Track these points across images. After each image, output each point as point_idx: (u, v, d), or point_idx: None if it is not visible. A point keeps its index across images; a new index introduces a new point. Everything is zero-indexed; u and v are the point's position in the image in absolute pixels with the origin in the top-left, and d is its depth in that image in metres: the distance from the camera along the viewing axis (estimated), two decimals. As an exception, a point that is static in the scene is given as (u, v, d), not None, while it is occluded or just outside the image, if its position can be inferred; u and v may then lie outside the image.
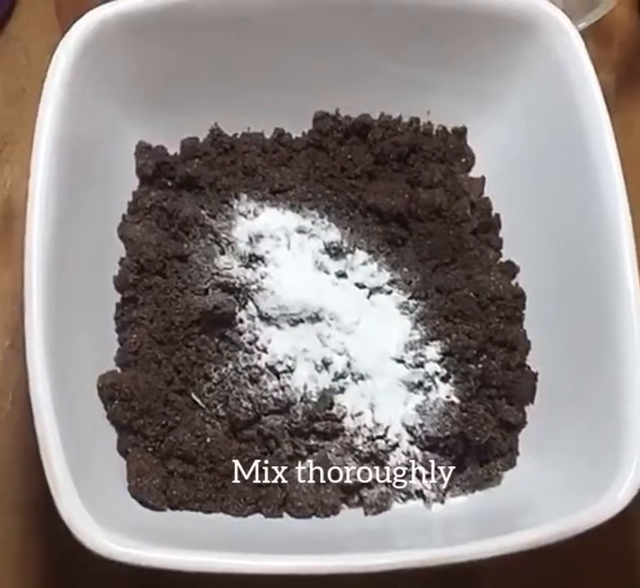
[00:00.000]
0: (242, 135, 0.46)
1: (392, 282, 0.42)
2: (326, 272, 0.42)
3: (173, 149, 0.45)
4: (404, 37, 0.42)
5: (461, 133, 0.46)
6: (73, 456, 0.34)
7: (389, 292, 0.42)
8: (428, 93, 0.44)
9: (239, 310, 0.41)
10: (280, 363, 0.40)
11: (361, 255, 0.43)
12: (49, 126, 0.37)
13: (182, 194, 0.44)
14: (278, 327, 0.41)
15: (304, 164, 0.45)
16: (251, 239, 0.42)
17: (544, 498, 0.37)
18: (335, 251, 0.42)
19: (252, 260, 0.42)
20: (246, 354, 0.40)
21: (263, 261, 0.42)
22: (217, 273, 0.41)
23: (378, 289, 0.42)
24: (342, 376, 0.40)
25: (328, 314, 0.41)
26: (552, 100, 0.40)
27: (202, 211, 0.43)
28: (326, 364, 0.40)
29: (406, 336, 0.41)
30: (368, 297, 0.42)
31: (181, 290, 0.42)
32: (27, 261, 0.36)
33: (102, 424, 0.39)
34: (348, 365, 0.40)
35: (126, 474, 0.39)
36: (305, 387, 0.39)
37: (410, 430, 0.39)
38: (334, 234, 0.43)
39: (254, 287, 0.41)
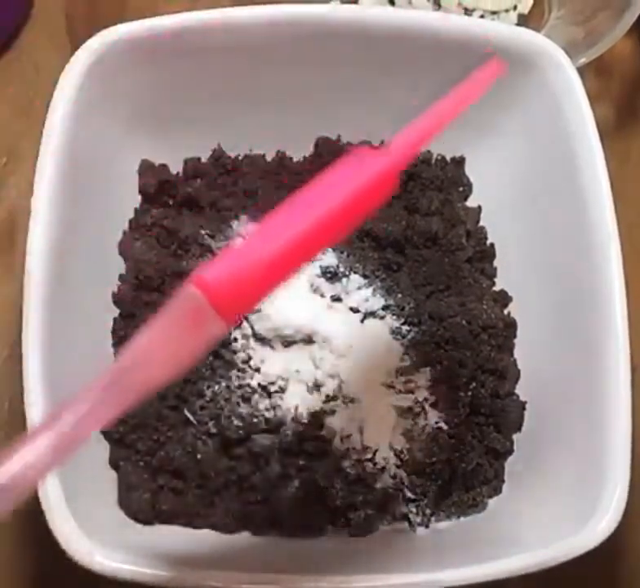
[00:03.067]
0: (244, 156, 0.46)
1: (386, 308, 0.43)
2: (322, 295, 0.43)
3: (175, 168, 0.46)
4: (406, 67, 0.43)
5: (459, 162, 0.46)
6: (65, 470, 0.34)
7: (383, 317, 0.43)
8: (428, 122, 0.45)
9: (234, 330, 0.41)
10: (272, 383, 0.40)
11: (356, 279, 0.43)
12: (54, 143, 0.38)
13: (182, 213, 0.45)
14: (272, 347, 0.41)
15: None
16: None
17: (527, 526, 0.37)
18: (330, 275, 0.43)
19: None
20: (239, 373, 0.41)
21: None
22: None
23: (372, 314, 0.43)
24: (333, 399, 0.40)
25: (321, 338, 0.41)
26: (548, 134, 0.41)
27: (202, 231, 0.44)
28: (317, 386, 0.40)
29: (397, 362, 0.42)
30: (362, 321, 0.42)
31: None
32: (27, 275, 0.36)
33: (94, 437, 0.39)
34: (340, 388, 0.40)
35: (116, 487, 0.39)
36: (296, 408, 0.40)
37: (397, 454, 0.40)
38: (330, 258, 0.43)
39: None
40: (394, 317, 0.43)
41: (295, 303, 0.42)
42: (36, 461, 0.24)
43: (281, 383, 0.40)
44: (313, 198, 0.26)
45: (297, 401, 0.40)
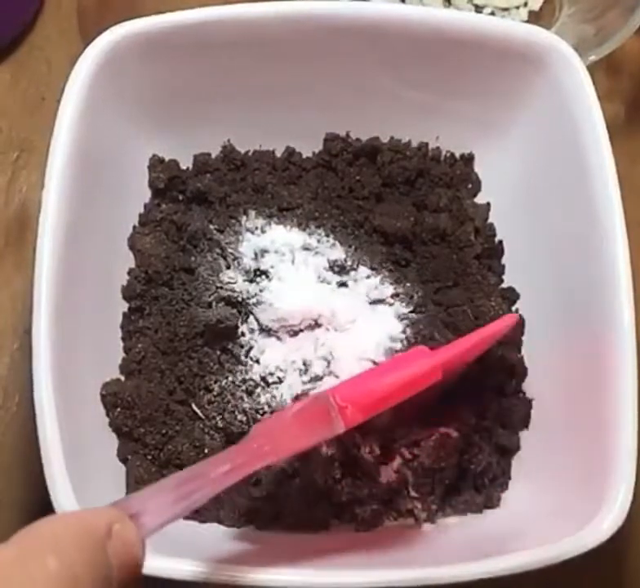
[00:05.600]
0: (253, 152, 0.46)
1: (395, 296, 0.43)
2: (328, 283, 0.43)
3: (185, 163, 0.46)
4: (416, 64, 0.43)
5: (468, 160, 0.46)
6: (74, 461, 0.35)
7: (391, 304, 0.43)
8: (437, 119, 0.45)
9: (241, 324, 0.42)
10: (271, 374, 0.40)
11: (364, 270, 0.43)
12: (65, 138, 0.38)
13: (192, 208, 0.45)
14: (278, 338, 0.41)
15: (313, 184, 0.46)
16: (256, 255, 0.43)
17: (532, 523, 0.38)
18: (338, 269, 0.43)
19: (257, 274, 0.43)
20: (244, 367, 0.41)
21: (267, 275, 0.42)
22: (221, 287, 0.42)
23: (380, 301, 0.43)
24: (319, 379, 0.40)
25: (327, 316, 0.41)
26: (557, 132, 0.41)
27: (211, 226, 0.44)
28: (306, 368, 0.41)
29: (392, 342, 0.42)
30: (370, 304, 0.43)
31: (187, 302, 0.42)
32: (37, 268, 0.36)
33: (104, 430, 0.40)
34: (328, 365, 0.41)
35: (125, 480, 0.39)
36: (293, 397, 0.40)
37: (406, 459, 0.40)
38: (338, 252, 0.44)
39: (254, 300, 0.42)
40: (403, 304, 0.43)
41: (301, 292, 0.42)
42: (163, 506, 0.28)
43: (279, 374, 0.40)
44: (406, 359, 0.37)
45: (293, 390, 0.40)
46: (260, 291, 0.42)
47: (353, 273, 0.43)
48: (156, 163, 0.45)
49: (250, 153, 0.46)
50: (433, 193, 0.45)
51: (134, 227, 0.44)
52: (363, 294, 0.43)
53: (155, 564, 0.33)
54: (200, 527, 0.39)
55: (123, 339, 0.42)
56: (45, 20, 0.53)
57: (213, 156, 0.46)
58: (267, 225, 0.44)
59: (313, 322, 0.41)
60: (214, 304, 0.42)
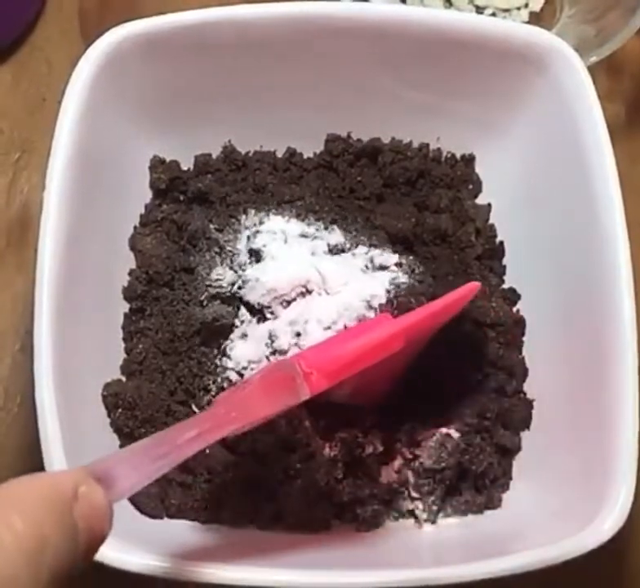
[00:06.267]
0: (254, 153, 0.46)
1: (398, 265, 0.42)
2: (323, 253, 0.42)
3: (186, 164, 0.46)
4: (417, 65, 0.43)
5: (469, 160, 0.46)
6: (75, 461, 0.34)
7: (391, 270, 0.42)
8: (438, 120, 0.45)
9: (236, 319, 0.41)
10: (245, 368, 0.40)
11: (363, 249, 0.43)
12: (66, 139, 0.38)
13: (193, 209, 0.45)
14: (273, 313, 0.41)
15: (314, 184, 0.46)
16: (248, 238, 0.43)
17: (533, 523, 0.38)
18: (337, 251, 0.43)
19: (250, 256, 0.42)
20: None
21: (259, 257, 0.42)
22: (210, 285, 0.42)
23: (382, 268, 0.42)
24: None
25: (316, 281, 0.40)
26: (558, 133, 0.41)
27: (210, 225, 0.44)
28: (272, 341, 0.40)
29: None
30: (366, 270, 0.42)
31: (186, 302, 0.42)
32: (38, 269, 0.37)
33: (105, 431, 0.40)
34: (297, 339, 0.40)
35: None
36: None
37: (407, 459, 0.40)
38: (337, 236, 0.43)
39: (241, 283, 0.41)
40: (405, 274, 0.42)
41: (289, 263, 0.41)
42: (130, 471, 0.28)
43: (253, 366, 0.40)
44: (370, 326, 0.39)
45: None
46: (248, 274, 0.41)
47: (351, 252, 0.43)
48: (157, 164, 0.45)
49: (251, 154, 0.46)
50: (434, 194, 0.45)
51: (135, 228, 0.45)
52: (360, 261, 0.42)
53: (156, 565, 0.33)
54: (202, 528, 0.39)
55: (124, 339, 0.42)
56: (46, 21, 0.53)
57: (214, 157, 0.46)
58: (265, 217, 0.44)
59: (304, 289, 0.40)
60: (206, 302, 0.42)
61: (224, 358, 0.41)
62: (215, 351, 0.41)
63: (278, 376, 0.34)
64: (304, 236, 0.43)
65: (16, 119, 0.51)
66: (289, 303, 0.41)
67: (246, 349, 0.41)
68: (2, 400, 0.45)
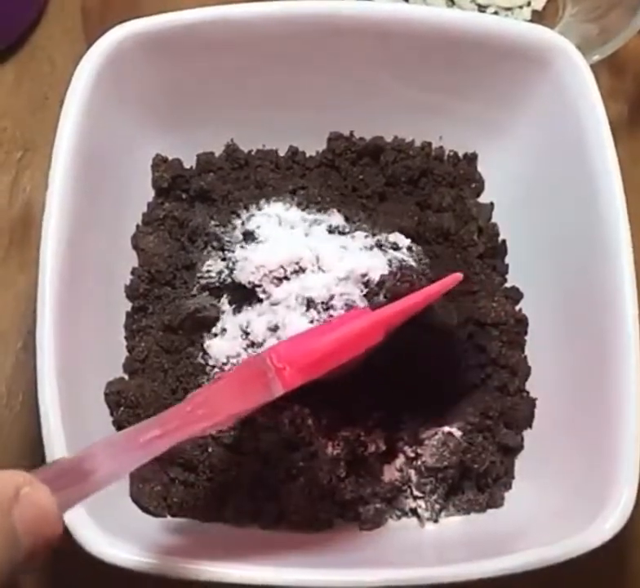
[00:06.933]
0: (256, 151, 0.46)
1: (409, 249, 0.42)
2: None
3: (189, 162, 0.46)
4: (419, 64, 0.43)
5: (472, 159, 0.47)
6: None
7: (396, 249, 0.41)
8: (441, 119, 0.45)
9: (221, 314, 0.41)
10: (225, 364, 0.40)
11: (363, 233, 0.42)
12: (69, 138, 0.39)
13: (195, 207, 0.45)
14: (265, 292, 0.40)
15: (317, 182, 0.46)
16: (243, 222, 0.42)
17: (535, 523, 0.38)
18: (336, 232, 0.42)
19: (245, 238, 0.42)
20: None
21: (253, 236, 0.41)
22: (201, 277, 0.42)
23: (394, 247, 0.42)
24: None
25: (309, 258, 0.39)
26: (560, 131, 0.41)
27: (211, 222, 0.44)
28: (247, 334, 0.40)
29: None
30: (366, 248, 0.41)
31: (187, 299, 0.42)
32: (41, 268, 0.37)
33: (107, 429, 0.40)
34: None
35: (128, 479, 0.39)
36: None
37: (409, 458, 0.40)
38: (338, 219, 0.43)
39: (231, 264, 0.41)
40: (409, 257, 0.41)
41: (283, 242, 0.40)
42: (96, 465, 0.27)
43: (233, 361, 0.40)
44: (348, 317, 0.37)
45: None
46: (237, 255, 0.41)
47: (350, 236, 0.42)
48: (159, 162, 0.45)
49: (253, 152, 0.46)
50: (437, 193, 0.45)
51: (137, 226, 0.45)
52: (359, 242, 0.41)
53: (159, 564, 0.33)
54: (204, 526, 0.39)
55: (126, 338, 0.42)
56: (48, 20, 0.53)
57: (216, 155, 0.46)
58: (265, 204, 0.43)
59: (297, 267, 0.40)
60: (197, 293, 0.42)
61: (205, 355, 0.41)
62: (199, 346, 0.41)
63: (250, 371, 0.33)
64: (303, 220, 0.42)
65: (19, 118, 0.51)
66: (281, 281, 0.40)
67: (222, 344, 0.40)
68: (5, 398, 0.45)
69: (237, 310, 0.41)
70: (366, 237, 0.42)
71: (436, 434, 0.40)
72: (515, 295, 0.44)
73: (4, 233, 0.49)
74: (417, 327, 0.38)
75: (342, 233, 0.42)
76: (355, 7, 0.42)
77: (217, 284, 0.42)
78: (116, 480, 0.29)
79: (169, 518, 0.39)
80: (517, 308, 0.44)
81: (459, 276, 0.38)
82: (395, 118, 0.45)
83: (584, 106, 0.40)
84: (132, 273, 0.43)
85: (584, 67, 0.40)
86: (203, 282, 0.42)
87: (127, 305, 0.43)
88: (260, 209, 0.43)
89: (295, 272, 0.40)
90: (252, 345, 0.40)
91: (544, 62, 0.41)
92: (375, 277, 0.39)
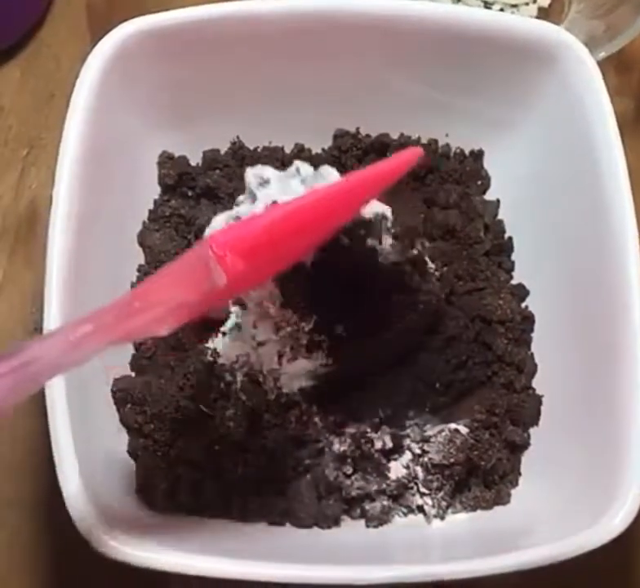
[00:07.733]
0: (262, 148, 0.46)
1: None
2: None
3: (195, 160, 0.46)
4: (425, 60, 0.43)
5: (478, 156, 0.47)
6: (85, 456, 0.35)
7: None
8: (447, 116, 0.45)
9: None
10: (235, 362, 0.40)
11: None
12: (75, 135, 0.39)
13: (201, 204, 0.45)
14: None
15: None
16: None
17: (542, 520, 0.38)
18: None
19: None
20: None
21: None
22: None
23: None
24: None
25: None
26: (567, 128, 0.41)
27: (217, 219, 0.44)
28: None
29: None
30: None
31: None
32: (48, 265, 0.37)
33: (114, 427, 0.40)
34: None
35: (135, 476, 0.40)
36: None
37: (415, 455, 0.40)
38: None
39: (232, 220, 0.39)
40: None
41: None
42: (44, 358, 0.27)
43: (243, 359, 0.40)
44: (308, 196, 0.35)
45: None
46: (241, 210, 0.40)
47: None
48: (165, 160, 0.45)
49: (259, 149, 0.46)
50: (443, 190, 0.45)
51: (143, 223, 0.45)
52: None
53: (166, 560, 0.33)
54: (210, 523, 0.39)
55: (133, 335, 0.42)
56: (54, 17, 0.53)
57: (222, 152, 0.46)
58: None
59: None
60: None
61: (212, 353, 0.40)
62: None
63: (190, 262, 0.31)
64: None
65: (25, 115, 0.51)
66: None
67: (230, 342, 0.40)
68: (12, 396, 0.45)
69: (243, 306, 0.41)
70: None
71: (442, 430, 0.40)
72: (521, 292, 0.44)
73: (10, 230, 0.49)
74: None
75: None
76: (361, 4, 0.42)
77: None
78: (56, 374, 0.28)
79: (176, 514, 0.39)
80: (523, 305, 0.44)
81: (419, 150, 0.35)
82: (401, 115, 0.45)
83: (591, 103, 0.40)
84: (139, 270, 0.44)
85: (591, 64, 0.40)
86: None
87: (134, 303, 0.43)
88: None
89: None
90: (259, 344, 0.40)
91: (551, 59, 0.41)
92: None
